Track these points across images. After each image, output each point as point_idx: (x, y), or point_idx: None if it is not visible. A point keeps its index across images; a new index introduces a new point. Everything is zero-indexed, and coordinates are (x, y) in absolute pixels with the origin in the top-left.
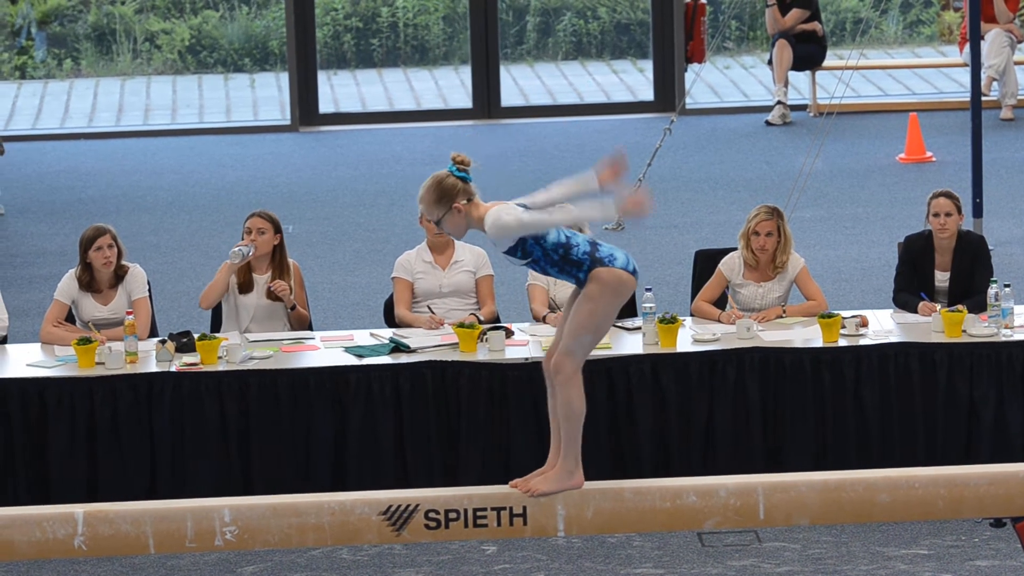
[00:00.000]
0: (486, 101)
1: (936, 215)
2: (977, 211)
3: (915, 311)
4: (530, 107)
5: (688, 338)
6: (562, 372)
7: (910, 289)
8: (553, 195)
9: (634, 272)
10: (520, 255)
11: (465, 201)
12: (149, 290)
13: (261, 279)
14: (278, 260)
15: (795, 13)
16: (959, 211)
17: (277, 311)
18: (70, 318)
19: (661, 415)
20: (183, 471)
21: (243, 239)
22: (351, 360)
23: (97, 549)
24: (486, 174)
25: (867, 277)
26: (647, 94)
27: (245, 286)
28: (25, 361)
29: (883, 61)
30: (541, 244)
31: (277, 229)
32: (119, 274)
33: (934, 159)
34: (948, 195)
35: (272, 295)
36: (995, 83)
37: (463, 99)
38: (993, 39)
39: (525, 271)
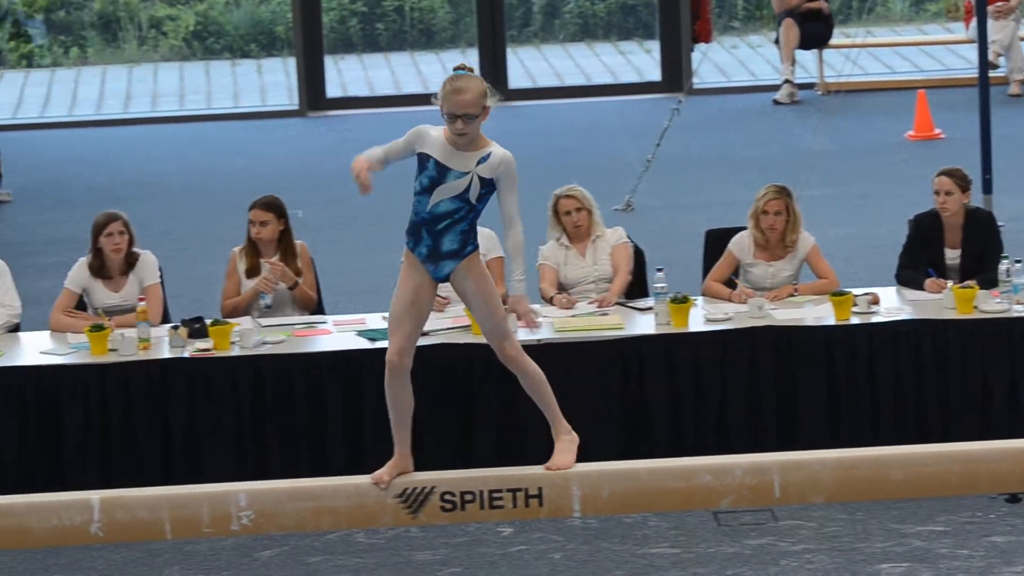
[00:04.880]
0: (494, 83)
1: (937, 193)
2: (987, 187)
3: (919, 288)
4: (538, 89)
5: (700, 318)
6: (513, 355)
7: (915, 266)
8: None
9: None
10: (476, 196)
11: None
12: (161, 276)
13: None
14: (284, 244)
15: None
16: (962, 189)
17: (286, 295)
18: (81, 306)
19: (674, 395)
20: (198, 457)
21: (249, 229)
22: (364, 344)
23: (114, 535)
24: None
25: (876, 255)
26: (654, 75)
27: (252, 271)
28: (38, 349)
29: (890, 39)
30: (485, 204)
31: (280, 214)
32: (130, 261)
33: (943, 136)
34: (950, 173)
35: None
36: (1000, 58)
37: None
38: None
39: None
